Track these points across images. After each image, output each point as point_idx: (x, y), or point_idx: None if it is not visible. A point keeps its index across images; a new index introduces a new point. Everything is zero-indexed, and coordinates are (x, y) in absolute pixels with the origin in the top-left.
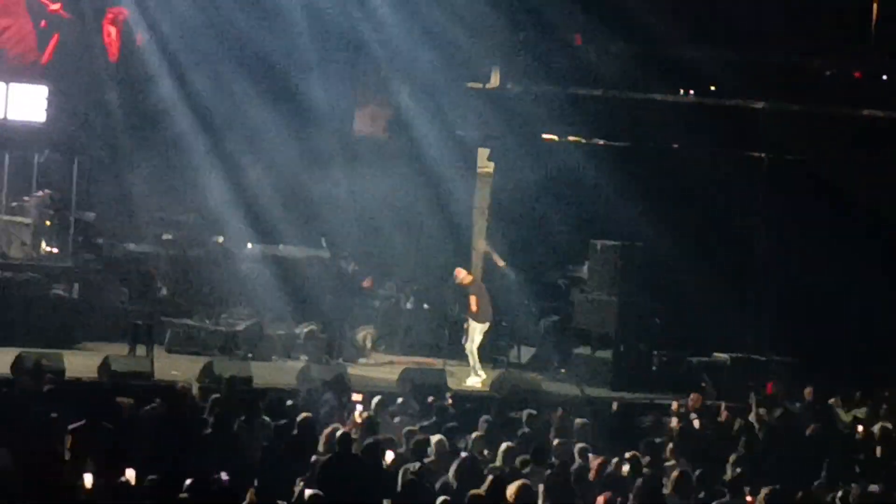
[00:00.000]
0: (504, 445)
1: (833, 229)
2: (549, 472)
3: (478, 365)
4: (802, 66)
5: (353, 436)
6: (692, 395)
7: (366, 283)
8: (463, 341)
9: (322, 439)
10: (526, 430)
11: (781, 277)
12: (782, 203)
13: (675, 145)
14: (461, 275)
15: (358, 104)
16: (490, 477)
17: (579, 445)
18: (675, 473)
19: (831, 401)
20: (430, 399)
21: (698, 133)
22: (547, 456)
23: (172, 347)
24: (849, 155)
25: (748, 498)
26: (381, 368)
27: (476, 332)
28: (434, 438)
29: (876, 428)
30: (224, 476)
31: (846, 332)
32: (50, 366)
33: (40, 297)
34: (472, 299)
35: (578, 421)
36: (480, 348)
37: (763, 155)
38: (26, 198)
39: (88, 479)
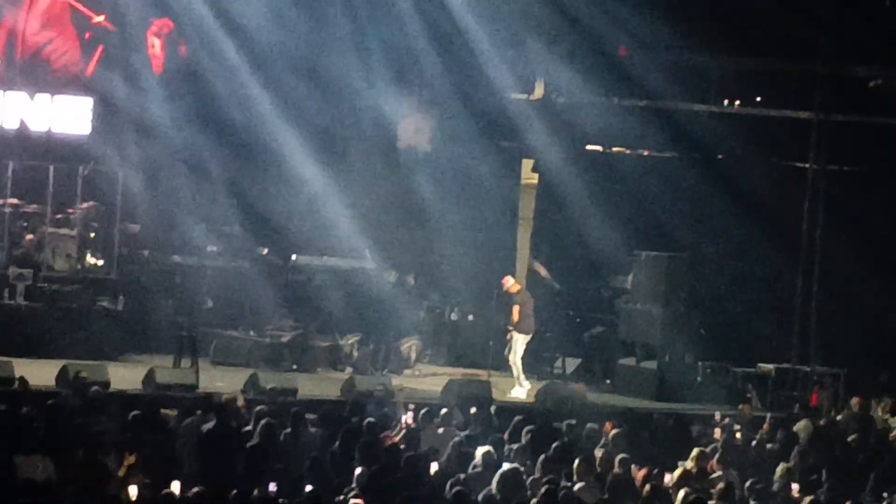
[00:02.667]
0: (542, 457)
1: (880, 239)
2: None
3: (522, 376)
4: (849, 76)
5: (399, 447)
6: (741, 406)
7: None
8: (506, 352)
9: (367, 450)
10: (569, 440)
11: (828, 288)
12: (829, 213)
13: (721, 156)
14: (509, 283)
15: (402, 116)
16: (542, 490)
17: (621, 456)
18: (720, 484)
19: (875, 408)
20: (475, 410)
21: (744, 143)
22: (592, 467)
23: (217, 359)
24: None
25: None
26: (426, 380)
27: (518, 343)
28: (479, 450)
29: None
30: (272, 487)
31: (894, 341)
32: (94, 378)
33: (85, 310)
34: (515, 309)
35: (620, 431)
36: (522, 359)
37: (809, 165)
38: (71, 210)
39: (133, 491)
